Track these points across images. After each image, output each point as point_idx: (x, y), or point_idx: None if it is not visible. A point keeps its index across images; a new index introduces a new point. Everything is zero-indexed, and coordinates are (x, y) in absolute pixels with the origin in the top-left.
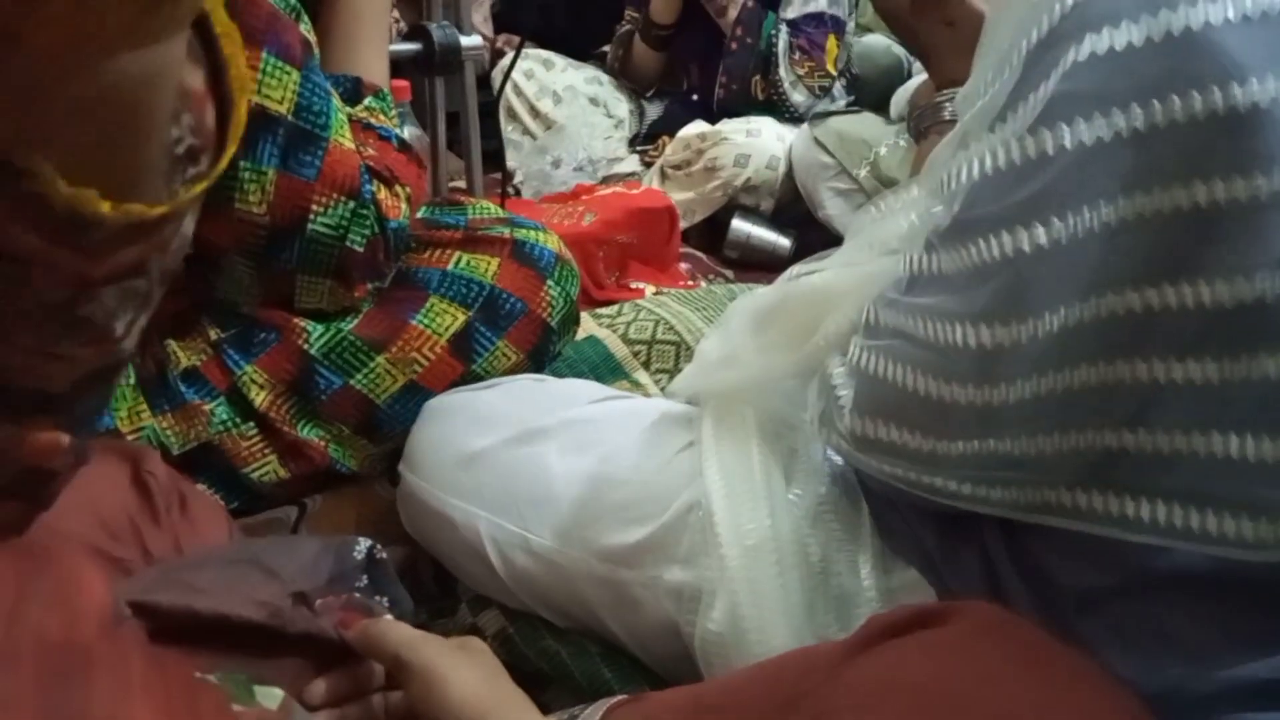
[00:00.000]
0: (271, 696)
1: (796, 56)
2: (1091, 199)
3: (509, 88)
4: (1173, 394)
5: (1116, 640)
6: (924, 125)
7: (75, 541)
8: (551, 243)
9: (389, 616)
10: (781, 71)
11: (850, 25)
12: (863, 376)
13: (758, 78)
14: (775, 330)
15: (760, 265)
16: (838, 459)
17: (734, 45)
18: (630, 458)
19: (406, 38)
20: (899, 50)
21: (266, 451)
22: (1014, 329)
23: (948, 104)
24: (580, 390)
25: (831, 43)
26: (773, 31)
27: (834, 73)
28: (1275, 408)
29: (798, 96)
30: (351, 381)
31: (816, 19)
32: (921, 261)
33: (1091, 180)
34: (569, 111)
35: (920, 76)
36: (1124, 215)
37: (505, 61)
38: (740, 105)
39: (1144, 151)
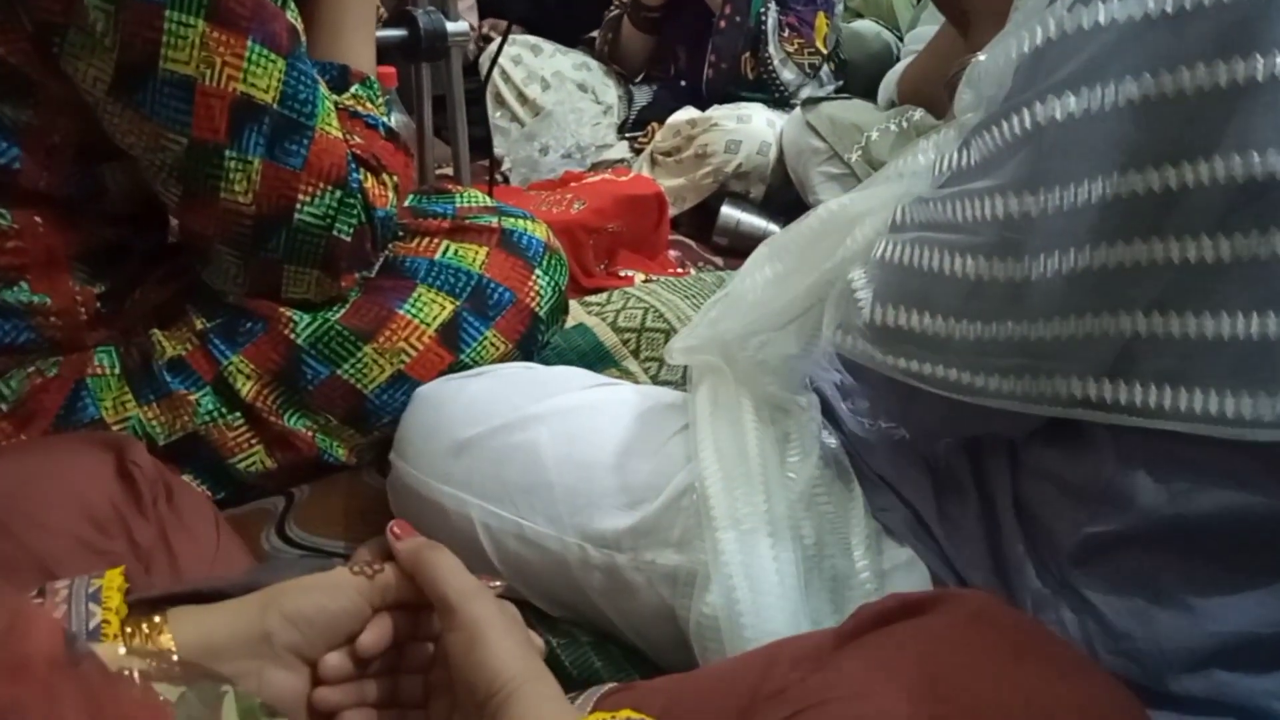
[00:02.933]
0: None
1: (786, 34)
2: (1120, 75)
3: (496, 73)
4: (1188, 275)
5: (1112, 593)
6: (959, 83)
7: (61, 537)
8: (540, 232)
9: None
10: (771, 49)
11: (839, 8)
12: (888, 267)
13: (747, 55)
14: (793, 256)
15: (749, 252)
16: (830, 441)
17: (723, 24)
18: (622, 443)
19: (392, 23)
20: (887, 36)
21: (253, 442)
22: (1040, 197)
23: None
24: (571, 377)
25: (820, 20)
26: (762, 9)
27: (823, 51)
28: None
29: (787, 74)
30: (339, 371)
31: None
32: (953, 159)
33: (1124, 57)
34: (557, 97)
35: (906, 61)
36: (1147, 92)
37: (492, 48)
38: (730, 84)
39: (1174, 31)
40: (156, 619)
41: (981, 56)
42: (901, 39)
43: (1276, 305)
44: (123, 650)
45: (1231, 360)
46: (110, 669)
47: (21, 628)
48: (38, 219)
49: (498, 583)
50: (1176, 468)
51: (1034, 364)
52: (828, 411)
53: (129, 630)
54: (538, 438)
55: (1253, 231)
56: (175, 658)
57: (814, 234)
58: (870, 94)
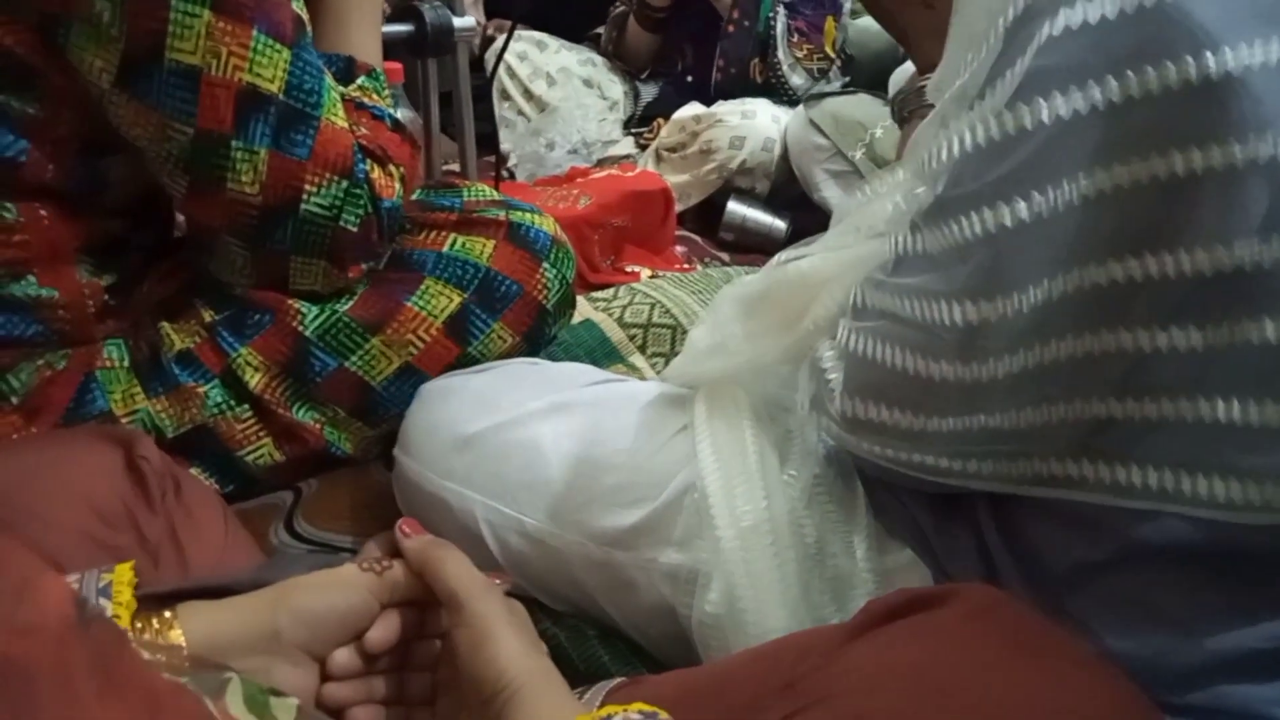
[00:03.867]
0: (286, 709)
1: (795, 39)
2: (1070, 172)
3: (502, 69)
4: (1158, 361)
5: (1107, 615)
6: (907, 110)
7: (70, 532)
8: (547, 225)
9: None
10: (780, 54)
11: (846, 6)
12: (851, 358)
13: (756, 60)
14: (763, 317)
15: (756, 248)
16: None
17: (731, 28)
18: (625, 440)
19: (398, 18)
20: None
21: (261, 434)
22: (997, 304)
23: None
24: (575, 374)
25: (829, 24)
26: (770, 14)
27: (832, 55)
28: (1259, 373)
29: (796, 79)
30: (346, 363)
31: (814, 1)
32: (906, 242)
33: (1069, 153)
34: (563, 93)
35: None
36: (1101, 187)
37: (497, 45)
38: (738, 88)
39: (1120, 123)
40: (167, 614)
41: (923, 140)
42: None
43: (1254, 391)
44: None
45: (1212, 443)
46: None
47: (34, 591)
48: (42, 212)
49: (505, 579)
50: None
51: (1011, 449)
52: None
53: (139, 625)
54: (540, 434)
55: (1223, 323)
56: (185, 653)
57: (784, 295)
58: (876, 89)
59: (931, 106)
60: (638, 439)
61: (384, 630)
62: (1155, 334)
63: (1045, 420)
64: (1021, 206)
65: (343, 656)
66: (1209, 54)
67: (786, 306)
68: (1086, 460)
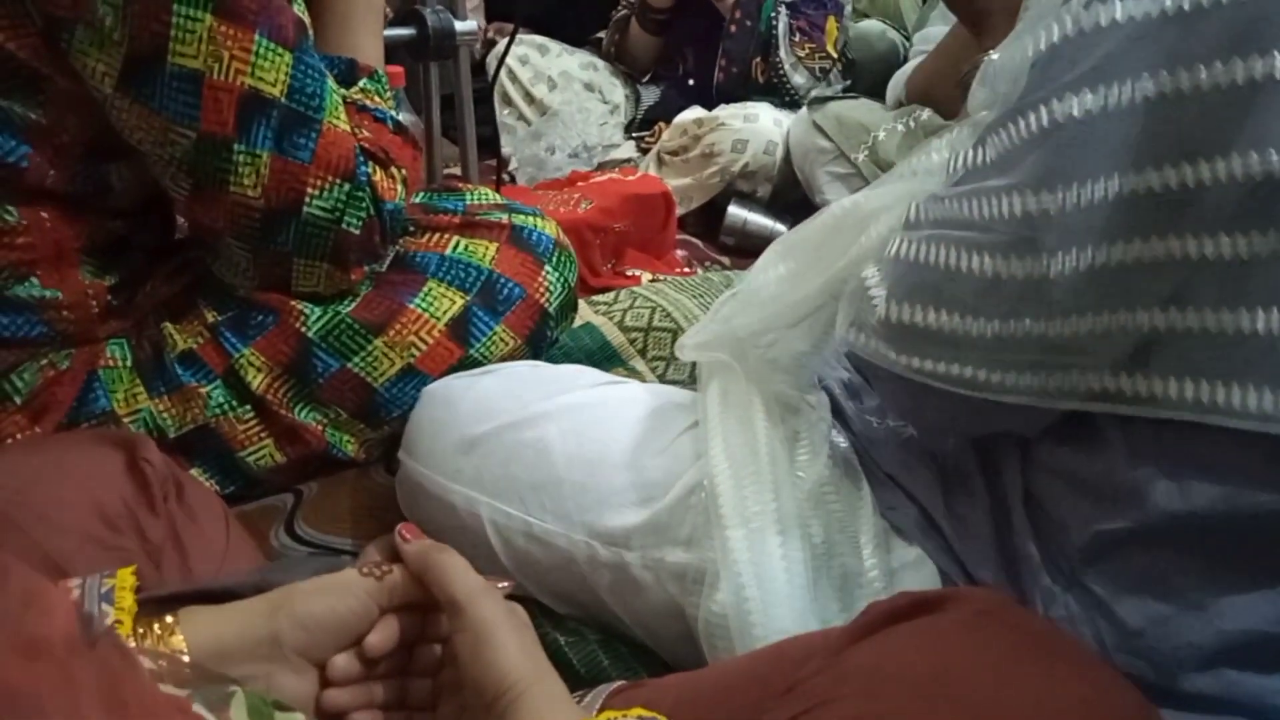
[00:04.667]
0: None
1: (797, 38)
2: (1136, 72)
3: (503, 73)
4: (1205, 270)
5: (1122, 590)
6: (969, 80)
7: (72, 535)
8: (549, 228)
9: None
10: (782, 54)
11: (848, 7)
12: (902, 264)
13: (758, 60)
14: (806, 254)
15: (757, 252)
16: (839, 440)
17: (733, 28)
18: (631, 440)
19: (401, 22)
20: (894, 35)
21: (263, 435)
22: (1058, 195)
23: None
24: (580, 375)
25: (831, 24)
26: (772, 14)
27: (834, 54)
28: None
29: (798, 79)
30: (349, 364)
31: (816, 0)
32: (970, 156)
33: (1139, 54)
34: (564, 97)
35: (915, 61)
36: (1162, 90)
37: (499, 49)
38: (740, 88)
39: (1191, 29)
40: (168, 619)
41: (995, 55)
42: (908, 39)
43: None
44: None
45: (1251, 354)
46: (127, 649)
47: (39, 607)
48: (44, 215)
49: (506, 583)
50: (1188, 465)
51: (1052, 359)
52: (835, 410)
53: (140, 630)
54: (547, 435)
55: (1270, 230)
56: (186, 659)
57: (827, 231)
58: (876, 93)
59: None
60: (644, 438)
61: (383, 635)
62: (1204, 242)
63: (1091, 329)
64: (1089, 98)
65: (342, 661)
66: None
67: (830, 245)
68: (1125, 374)
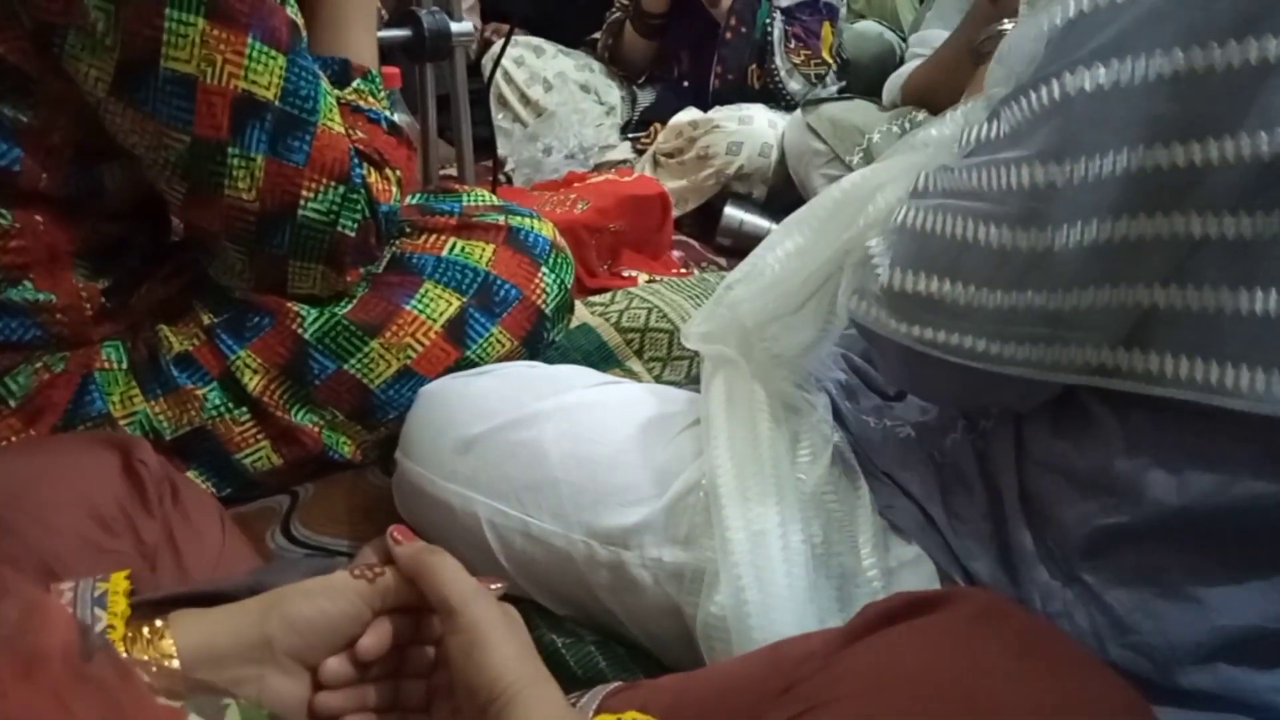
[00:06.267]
0: None
1: (792, 45)
2: (1149, 48)
3: (499, 75)
4: (1208, 249)
5: (1120, 585)
6: (986, 49)
7: (67, 537)
8: (546, 230)
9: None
10: (777, 60)
11: (842, 11)
12: (908, 233)
13: (754, 67)
14: (813, 229)
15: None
16: (838, 440)
17: (729, 35)
18: (628, 440)
19: (396, 23)
20: (890, 36)
21: (259, 437)
22: (1065, 167)
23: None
24: (576, 375)
25: (826, 30)
26: (767, 20)
27: (830, 60)
28: None
29: (794, 85)
30: (345, 366)
31: (811, 6)
32: (982, 130)
33: (1155, 31)
34: (560, 98)
35: (913, 63)
36: (1176, 67)
37: (494, 50)
38: (736, 94)
39: (1204, 7)
40: (158, 623)
41: (1008, 24)
42: (904, 40)
43: None
44: (124, 656)
45: (1252, 335)
46: (124, 663)
47: (36, 621)
48: (38, 218)
49: (498, 585)
50: (1185, 458)
51: (1054, 332)
52: (833, 410)
53: (130, 635)
54: (543, 435)
55: (1275, 210)
56: (177, 664)
57: (835, 204)
58: (872, 94)
59: None
60: (641, 438)
61: (376, 637)
62: (1208, 221)
63: (1092, 303)
64: (1101, 73)
65: (335, 664)
66: None
67: (837, 217)
68: (1124, 349)
